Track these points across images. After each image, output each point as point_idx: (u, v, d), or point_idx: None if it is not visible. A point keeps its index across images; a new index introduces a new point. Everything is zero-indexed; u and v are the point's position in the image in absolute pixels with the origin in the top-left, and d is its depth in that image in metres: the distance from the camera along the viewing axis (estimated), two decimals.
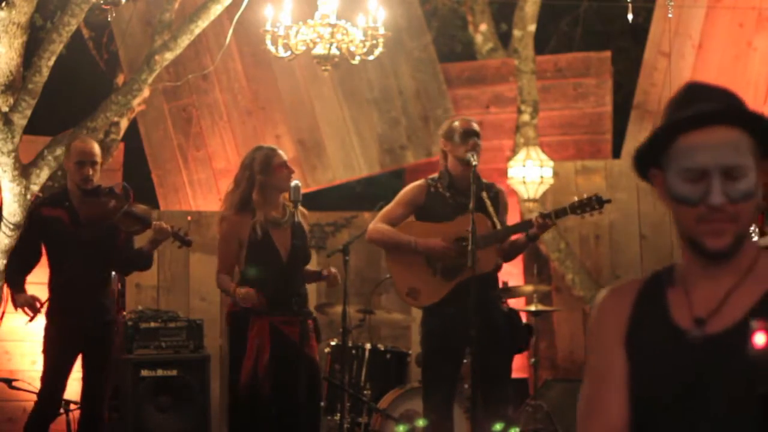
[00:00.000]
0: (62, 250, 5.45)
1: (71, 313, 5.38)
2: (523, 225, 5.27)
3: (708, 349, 1.72)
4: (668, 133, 1.79)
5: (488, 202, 5.19)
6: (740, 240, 1.76)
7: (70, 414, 6.09)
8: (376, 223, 5.32)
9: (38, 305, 5.44)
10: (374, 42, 5.68)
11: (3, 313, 5.83)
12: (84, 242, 5.43)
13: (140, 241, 5.67)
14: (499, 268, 5.31)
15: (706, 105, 1.76)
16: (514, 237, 5.26)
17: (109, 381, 5.54)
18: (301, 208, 5.30)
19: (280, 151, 5.35)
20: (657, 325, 1.80)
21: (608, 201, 5.28)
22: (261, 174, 5.22)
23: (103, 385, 5.47)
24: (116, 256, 5.56)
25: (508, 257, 5.36)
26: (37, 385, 5.50)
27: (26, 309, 5.44)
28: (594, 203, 5.21)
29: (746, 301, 1.75)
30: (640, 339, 1.80)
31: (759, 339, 1.57)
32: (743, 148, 1.74)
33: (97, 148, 5.60)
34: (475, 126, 5.26)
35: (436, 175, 5.34)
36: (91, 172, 5.49)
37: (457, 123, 5.28)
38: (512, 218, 5.89)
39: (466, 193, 5.03)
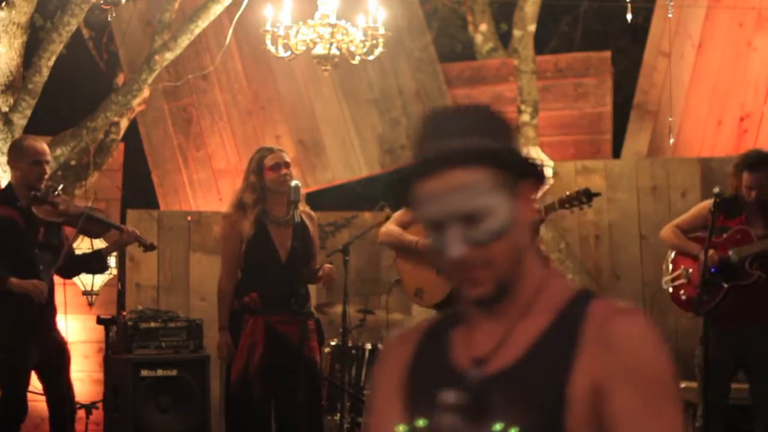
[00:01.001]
0: (15, 252, 5.28)
1: (30, 316, 5.26)
2: None
3: (487, 391, 1.57)
4: (400, 184, 1.64)
5: None
6: (504, 283, 1.60)
7: (90, 417, 6.14)
8: (387, 225, 5.38)
9: (43, 288, 5.27)
10: (374, 42, 5.68)
11: None
12: (40, 245, 5.36)
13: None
14: None
15: (436, 147, 1.59)
16: None
17: (71, 384, 5.52)
18: (307, 209, 5.32)
19: (279, 152, 5.30)
20: (436, 368, 1.65)
21: (597, 194, 5.26)
22: (253, 174, 5.25)
23: (69, 388, 5.45)
24: (62, 258, 5.44)
25: None
26: (37, 385, 5.49)
27: (37, 294, 5.22)
28: (582, 197, 5.19)
29: (526, 338, 1.61)
30: (418, 385, 1.65)
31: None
32: (482, 186, 1.57)
33: (48, 148, 5.56)
34: None
35: None
36: (47, 171, 5.42)
37: None
38: None
39: None
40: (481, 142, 1.59)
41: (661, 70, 8.52)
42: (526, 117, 8.36)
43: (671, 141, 7.53)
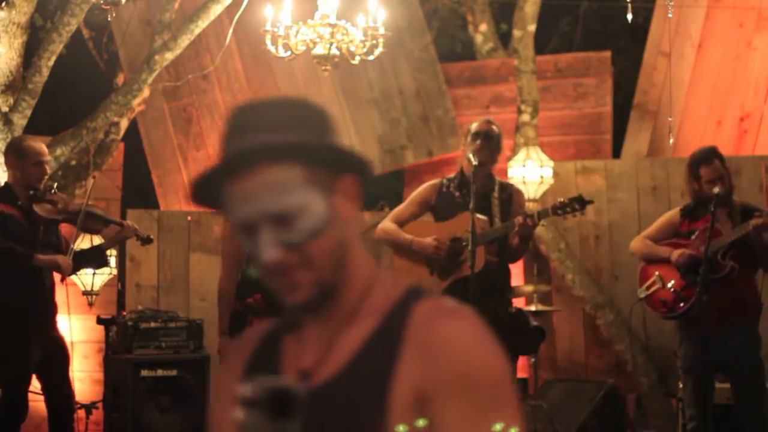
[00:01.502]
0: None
1: (34, 315, 5.30)
2: (506, 226, 5.27)
3: (312, 405, 1.40)
4: (206, 185, 1.50)
5: (496, 202, 5.21)
6: (326, 286, 1.47)
7: (90, 417, 6.14)
8: (384, 221, 5.37)
9: (69, 261, 5.34)
10: (374, 42, 5.68)
11: None
12: (41, 243, 5.38)
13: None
14: (493, 267, 5.28)
15: (242, 143, 1.46)
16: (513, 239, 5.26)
17: (71, 383, 5.54)
18: None
19: None
20: None
21: (590, 202, 5.27)
22: None
23: (69, 387, 5.47)
24: (69, 257, 5.45)
25: (511, 259, 5.37)
26: (37, 385, 5.49)
27: (66, 266, 5.29)
28: (575, 204, 5.20)
29: (350, 345, 1.49)
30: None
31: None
32: (293, 183, 1.44)
33: (46, 148, 5.61)
34: (489, 128, 5.29)
35: (452, 174, 5.40)
36: (47, 172, 5.48)
37: (474, 124, 5.35)
38: None
39: (478, 192, 5.07)
40: (289, 136, 1.46)
41: (661, 70, 8.52)
42: (526, 117, 8.36)
43: (671, 141, 7.53)
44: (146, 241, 5.72)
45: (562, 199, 5.23)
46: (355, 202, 1.51)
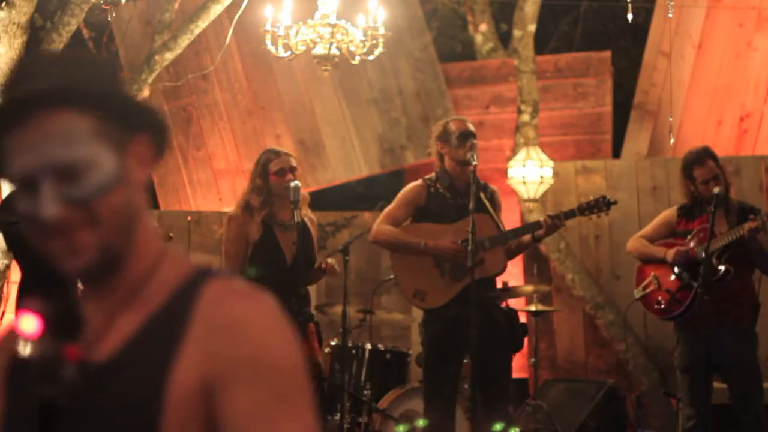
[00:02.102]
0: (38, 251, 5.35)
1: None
2: (532, 226, 5.26)
3: (83, 389, 1.28)
4: None
5: (487, 203, 5.18)
6: (111, 252, 1.34)
7: None
8: (379, 224, 5.28)
9: None
10: (374, 42, 5.68)
11: (3, 312, 5.83)
12: None
13: None
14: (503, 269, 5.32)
15: (24, 89, 1.33)
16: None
17: None
18: (309, 213, 5.30)
19: (286, 156, 5.26)
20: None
21: (615, 203, 5.30)
22: (259, 177, 5.22)
23: None
24: None
25: (510, 257, 5.36)
26: None
27: None
28: (602, 205, 5.22)
29: (129, 325, 1.36)
30: (16, 378, 1.39)
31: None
32: (81, 133, 1.31)
33: None
34: (471, 126, 5.24)
35: (432, 175, 5.30)
36: None
37: (452, 125, 5.23)
38: (511, 218, 5.90)
39: (466, 193, 5.02)
40: (79, 83, 1.34)
41: (661, 70, 8.52)
42: (526, 117, 8.36)
43: (671, 141, 7.53)
44: (165, 239, 5.74)
45: (588, 200, 5.25)
46: (146, 169, 1.39)
